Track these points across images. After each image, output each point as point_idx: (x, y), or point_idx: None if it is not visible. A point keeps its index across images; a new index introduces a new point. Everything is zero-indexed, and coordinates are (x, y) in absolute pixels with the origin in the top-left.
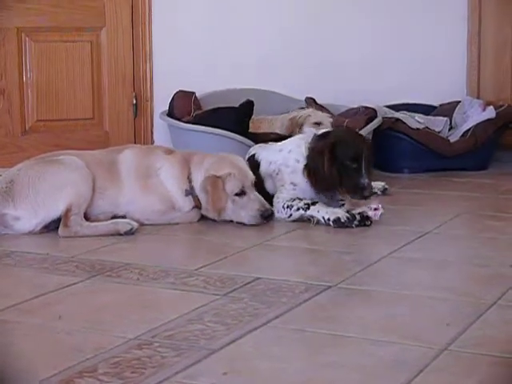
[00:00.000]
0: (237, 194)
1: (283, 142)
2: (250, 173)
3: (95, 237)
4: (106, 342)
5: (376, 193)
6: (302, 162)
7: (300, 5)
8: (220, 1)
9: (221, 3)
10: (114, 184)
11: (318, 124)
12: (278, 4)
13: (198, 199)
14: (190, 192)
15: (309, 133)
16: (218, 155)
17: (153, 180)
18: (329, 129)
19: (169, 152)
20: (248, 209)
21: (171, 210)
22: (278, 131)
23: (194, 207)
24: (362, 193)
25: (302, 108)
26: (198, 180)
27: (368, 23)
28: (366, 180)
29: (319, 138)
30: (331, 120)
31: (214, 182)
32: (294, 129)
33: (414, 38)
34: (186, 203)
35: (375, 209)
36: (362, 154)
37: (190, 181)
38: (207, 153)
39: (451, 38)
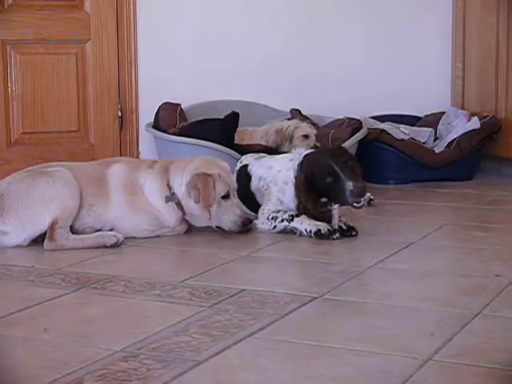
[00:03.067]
0: (222, 197)
1: (274, 158)
2: (233, 179)
3: (81, 249)
4: (92, 355)
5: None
6: (290, 185)
7: (287, 18)
8: (206, 13)
9: (207, 16)
10: (102, 200)
11: (305, 137)
12: (264, 16)
13: (181, 204)
14: (170, 198)
15: (296, 155)
16: (203, 157)
17: (138, 197)
18: (307, 151)
19: (151, 165)
20: (230, 214)
21: (159, 228)
22: (259, 142)
23: (180, 220)
24: (355, 196)
25: (281, 120)
26: (178, 185)
27: (354, 36)
28: (350, 183)
29: (300, 166)
30: (316, 132)
31: (205, 180)
32: (284, 141)
33: (399, 49)
34: (171, 216)
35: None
36: (335, 166)
37: (170, 188)
38: (186, 158)
39: (436, 50)
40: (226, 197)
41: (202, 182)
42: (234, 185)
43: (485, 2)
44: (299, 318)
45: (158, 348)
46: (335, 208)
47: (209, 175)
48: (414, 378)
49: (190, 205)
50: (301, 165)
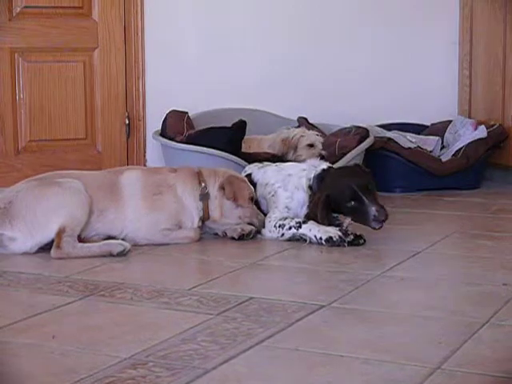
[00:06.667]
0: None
1: (283, 164)
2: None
3: (88, 258)
4: (100, 362)
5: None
6: (301, 191)
7: (294, 27)
8: (213, 21)
9: (214, 23)
10: (114, 205)
11: (311, 146)
12: (271, 24)
13: (207, 206)
14: (204, 197)
15: (310, 167)
16: (224, 168)
17: (164, 197)
18: (325, 166)
19: (173, 170)
20: (255, 214)
21: (176, 228)
22: (266, 151)
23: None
24: (379, 221)
25: (288, 128)
26: (212, 187)
27: (361, 45)
28: (373, 208)
29: (317, 180)
30: (322, 140)
31: (238, 180)
32: (289, 150)
33: (406, 58)
34: (195, 217)
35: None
36: (356, 190)
37: (204, 188)
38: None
39: (443, 58)
40: (251, 199)
41: (236, 182)
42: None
43: (492, 10)
44: (307, 326)
45: (167, 356)
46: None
47: (239, 177)
48: None
49: (225, 203)
50: (318, 179)
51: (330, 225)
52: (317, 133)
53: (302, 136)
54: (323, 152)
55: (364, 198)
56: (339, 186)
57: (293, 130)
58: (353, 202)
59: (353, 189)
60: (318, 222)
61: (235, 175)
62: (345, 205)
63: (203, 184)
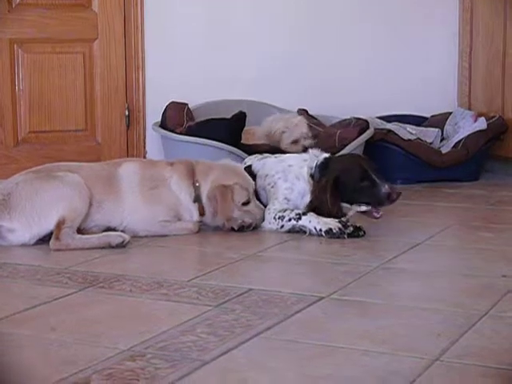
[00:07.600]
0: (243, 204)
1: (283, 156)
2: (252, 181)
3: (87, 249)
4: (99, 354)
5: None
6: (301, 181)
7: (295, 20)
8: (213, 13)
9: (214, 15)
10: (113, 197)
11: (295, 142)
12: (272, 17)
13: (203, 207)
14: (197, 198)
15: (312, 157)
16: (221, 164)
17: (160, 190)
18: (326, 155)
19: (170, 164)
20: (252, 216)
21: (175, 220)
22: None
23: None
24: (390, 198)
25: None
26: (204, 188)
27: (361, 37)
28: (386, 186)
29: (320, 167)
30: (306, 130)
31: (224, 192)
32: (274, 144)
33: (406, 50)
34: (193, 211)
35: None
36: (367, 170)
37: (196, 188)
38: (207, 161)
39: (443, 50)
40: (246, 203)
41: (220, 195)
42: (253, 187)
43: (492, 2)
44: (306, 318)
45: (165, 347)
46: (352, 209)
47: (227, 187)
48: (421, 379)
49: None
50: (321, 167)
51: (338, 211)
52: (297, 122)
53: (284, 132)
54: (307, 143)
55: (375, 177)
56: (349, 167)
57: (276, 123)
58: (364, 182)
59: (363, 168)
60: (321, 211)
61: (220, 186)
62: (355, 186)
63: (197, 184)
